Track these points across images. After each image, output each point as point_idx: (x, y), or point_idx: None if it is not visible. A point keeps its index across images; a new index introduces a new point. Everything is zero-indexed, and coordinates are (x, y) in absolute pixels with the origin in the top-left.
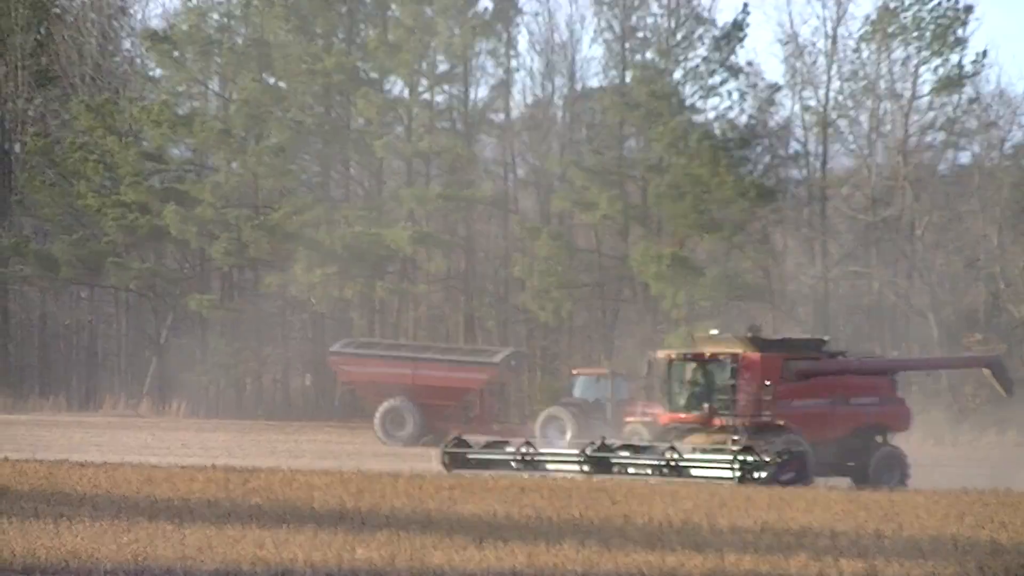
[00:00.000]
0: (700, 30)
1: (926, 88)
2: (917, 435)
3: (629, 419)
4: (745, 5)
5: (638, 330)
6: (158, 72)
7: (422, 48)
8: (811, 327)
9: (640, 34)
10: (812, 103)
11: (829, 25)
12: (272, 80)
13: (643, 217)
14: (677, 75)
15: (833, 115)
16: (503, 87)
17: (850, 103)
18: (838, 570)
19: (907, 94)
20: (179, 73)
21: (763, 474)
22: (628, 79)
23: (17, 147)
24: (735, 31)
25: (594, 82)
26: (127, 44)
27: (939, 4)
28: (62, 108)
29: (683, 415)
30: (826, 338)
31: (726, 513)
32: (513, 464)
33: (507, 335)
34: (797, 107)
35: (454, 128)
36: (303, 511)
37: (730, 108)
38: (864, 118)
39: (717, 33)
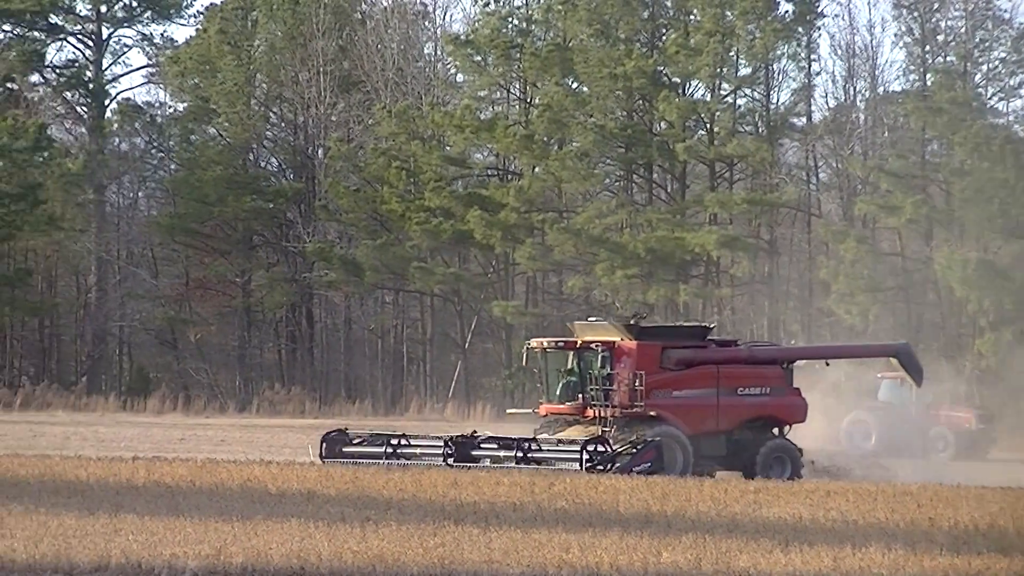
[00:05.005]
0: (997, 31)
1: None
2: None
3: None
4: None
5: (942, 334)
6: (460, 77)
7: (723, 51)
8: None
9: (940, 37)
10: None
11: None
12: (574, 84)
13: (947, 221)
14: (977, 77)
15: None
16: (805, 91)
17: None
18: None
19: None
20: (481, 77)
21: (617, 464)
22: (929, 82)
23: (321, 152)
24: None
25: (895, 86)
26: (428, 48)
27: None
28: (365, 113)
29: (559, 406)
30: (711, 325)
31: None
32: (389, 458)
33: (811, 338)
34: None
35: (756, 132)
36: (609, 515)
37: None
38: None
39: (1014, 33)
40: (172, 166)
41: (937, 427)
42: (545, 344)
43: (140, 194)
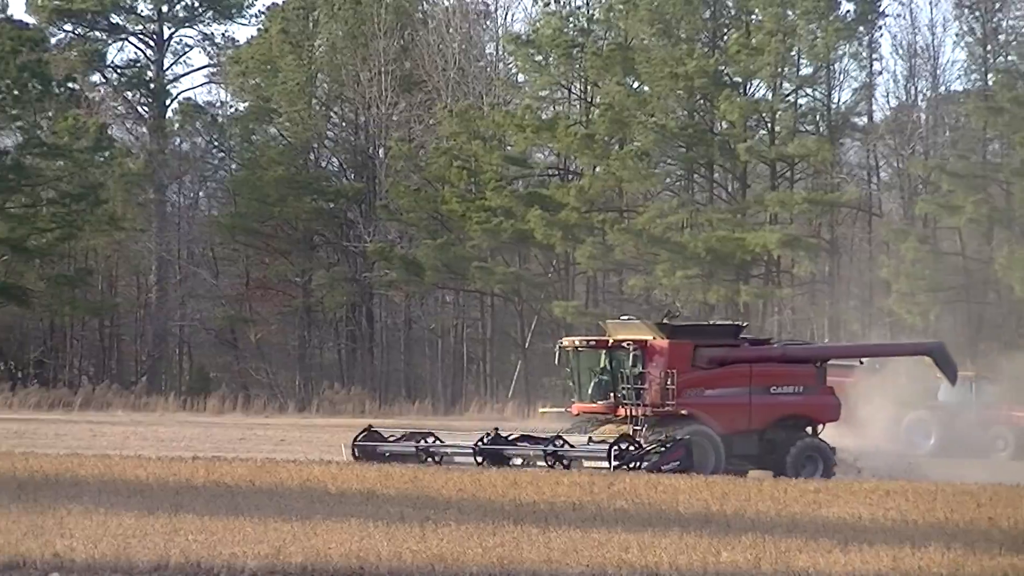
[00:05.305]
0: None
1: None
2: None
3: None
4: None
5: (1002, 333)
6: (521, 76)
7: (785, 51)
8: None
9: (1001, 37)
10: None
11: None
12: (635, 84)
13: (1007, 220)
14: None
15: None
16: (866, 90)
17: None
18: None
19: None
20: (542, 77)
21: (646, 463)
22: (990, 82)
23: (381, 152)
24: None
25: (957, 85)
26: (490, 48)
27: None
28: (426, 113)
29: (591, 405)
30: (744, 324)
31: None
32: (422, 456)
33: (872, 338)
34: None
35: (818, 131)
36: (668, 514)
37: None
38: None
39: None
40: (233, 166)
41: (997, 427)
42: (577, 343)
43: (201, 194)
